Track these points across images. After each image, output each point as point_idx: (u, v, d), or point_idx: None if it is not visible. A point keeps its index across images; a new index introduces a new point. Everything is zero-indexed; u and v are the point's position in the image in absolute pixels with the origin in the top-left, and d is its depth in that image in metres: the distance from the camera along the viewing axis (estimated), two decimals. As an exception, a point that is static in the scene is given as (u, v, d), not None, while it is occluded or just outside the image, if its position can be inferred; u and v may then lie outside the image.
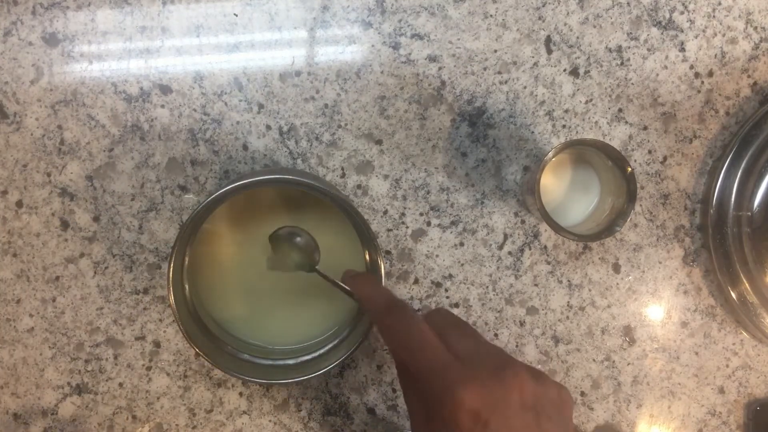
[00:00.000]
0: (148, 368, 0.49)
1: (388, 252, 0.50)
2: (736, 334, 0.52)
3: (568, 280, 0.51)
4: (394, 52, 0.48)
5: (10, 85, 0.47)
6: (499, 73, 0.49)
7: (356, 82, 0.48)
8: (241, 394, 0.50)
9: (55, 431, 0.49)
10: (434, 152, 0.49)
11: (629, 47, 0.50)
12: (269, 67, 0.48)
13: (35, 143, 0.47)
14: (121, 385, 0.49)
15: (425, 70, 0.49)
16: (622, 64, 0.50)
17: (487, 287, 0.51)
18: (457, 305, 0.50)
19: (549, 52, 0.49)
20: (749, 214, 0.50)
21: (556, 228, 0.44)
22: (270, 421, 0.50)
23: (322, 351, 0.46)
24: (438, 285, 0.50)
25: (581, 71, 0.50)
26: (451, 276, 0.50)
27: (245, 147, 0.48)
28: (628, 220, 0.47)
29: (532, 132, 0.50)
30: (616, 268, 0.51)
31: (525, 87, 0.49)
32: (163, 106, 0.48)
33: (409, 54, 0.49)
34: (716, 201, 0.50)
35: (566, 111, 0.50)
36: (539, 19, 0.49)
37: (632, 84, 0.50)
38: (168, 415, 0.49)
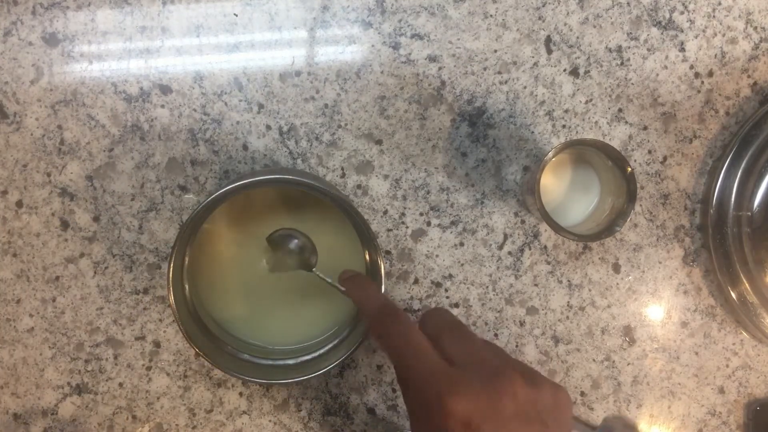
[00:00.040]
0: (148, 368, 0.49)
1: (388, 252, 0.50)
2: (736, 334, 0.52)
3: (568, 280, 0.51)
4: (394, 52, 0.48)
5: (10, 85, 0.47)
6: (499, 73, 0.49)
7: (356, 82, 0.48)
8: (241, 394, 0.50)
9: (55, 431, 0.49)
10: (434, 152, 0.49)
11: (629, 47, 0.50)
12: (269, 67, 0.48)
13: (35, 143, 0.47)
14: (121, 385, 0.49)
15: (425, 70, 0.49)
16: (622, 64, 0.50)
17: (487, 287, 0.51)
18: (457, 305, 0.50)
19: (549, 52, 0.49)
20: (749, 214, 0.50)
21: (556, 228, 0.44)
22: (270, 421, 0.50)
23: (322, 351, 0.46)
24: (438, 285, 0.50)
25: (581, 71, 0.50)
26: (451, 276, 0.50)
27: (245, 147, 0.48)
28: (628, 220, 0.47)
29: (532, 132, 0.50)
30: (616, 268, 0.51)
31: (525, 87, 0.49)
32: (163, 106, 0.48)
33: (409, 54, 0.49)
34: (716, 201, 0.50)
35: (566, 111, 0.50)
36: (539, 19, 0.49)
37: (632, 84, 0.50)
38: (168, 415, 0.49)
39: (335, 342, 0.46)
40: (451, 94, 0.49)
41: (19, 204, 0.48)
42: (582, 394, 0.52)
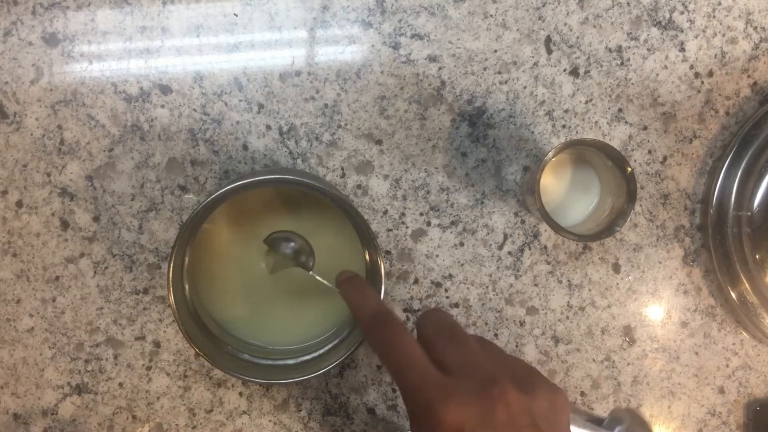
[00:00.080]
0: (148, 368, 0.49)
1: (388, 252, 0.50)
2: (736, 334, 0.52)
3: (568, 280, 0.51)
4: (394, 52, 0.48)
5: (10, 85, 0.47)
6: (499, 73, 0.49)
7: (356, 82, 0.48)
8: (241, 394, 0.50)
9: (55, 431, 0.49)
10: (434, 152, 0.49)
11: (629, 47, 0.50)
12: (269, 67, 0.48)
13: (35, 143, 0.47)
14: (121, 385, 0.49)
15: (425, 70, 0.49)
16: (622, 64, 0.50)
17: (487, 287, 0.51)
18: (457, 305, 0.50)
19: (549, 52, 0.49)
20: (749, 214, 0.50)
21: (556, 228, 0.44)
22: (270, 421, 0.50)
23: (322, 351, 0.46)
24: (438, 285, 0.50)
25: (581, 71, 0.50)
26: (451, 276, 0.50)
27: (245, 147, 0.48)
28: (628, 220, 0.47)
29: (532, 132, 0.50)
30: (616, 268, 0.51)
31: (525, 87, 0.49)
32: (163, 106, 0.48)
33: (409, 54, 0.49)
34: (716, 201, 0.50)
35: (566, 111, 0.50)
36: (539, 19, 0.49)
37: (632, 84, 0.50)
38: (168, 415, 0.49)
39: (335, 342, 0.46)
40: (451, 94, 0.49)
41: (19, 204, 0.48)
42: (582, 394, 0.52)
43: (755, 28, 0.51)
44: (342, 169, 0.49)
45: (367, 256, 0.45)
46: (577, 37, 0.50)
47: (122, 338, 0.49)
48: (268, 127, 0.48)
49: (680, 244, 0.52)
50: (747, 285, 0.50)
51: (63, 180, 0.48)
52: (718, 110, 0.51)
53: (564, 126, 0.50)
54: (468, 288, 0.50)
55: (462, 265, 0.50)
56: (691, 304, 0.52)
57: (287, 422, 0.50)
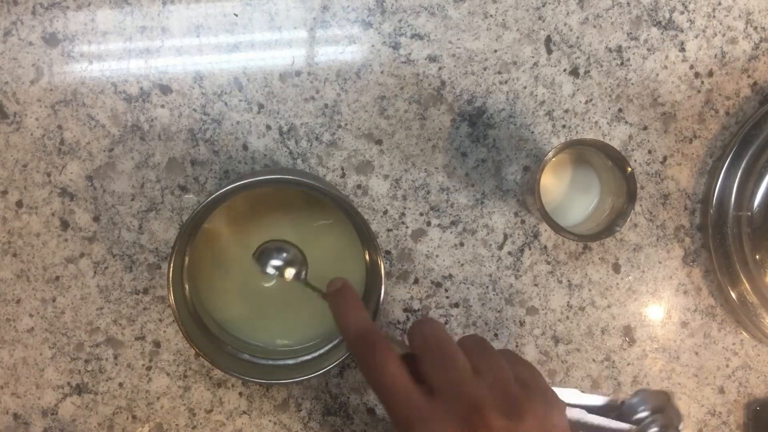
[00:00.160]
0: (148, 368, 0.49)
1: (388, 252, 0.50)
2: (736, 334, 0.52)
3: (568, 280, 0.51)
4: (394, 52, 0.48)
5: (10, 85, 0.47)
6: (499, 73, 0.49)
7: (356, 82, 0.48)
8: (241, 394, 0.50)
9: (55, 431, 0.49)
10: (434, 152, 0.49)
11: (629, 47, 0.50)
12: (269, 67, 0.48)
13: (35, 143, 0.47)
14: (121, 385, 0.49)
15: (425, 70, 0.49)
16: (622, 64, 0.50)
17: (487, 287, 0.51)
18: (457, 305, 0.50)
19: (549, 52, 0.49)
20: (749, 214, 0.50)
21: (556, 228, 0.44)
22: (270, 421, 0.50)
23: (322, 351, 0.46)
24: (438, 285, 0.50)
25: (581, 71, 0.50)
26: (451, 276, 0.50)
27: (245, 147, 0.48)
28: (628, 220, 0.47)
29: (532, 132, 0.50)
30: (616, 268, 0.51)
31: (525, 87, 0.49)
32: (163, 106, 0.48)
33: (409, 54, 0.49)
34: (716, 201, 0.50)
35: (566, 111, 0.50)
36: (539, 19, 0.49)
37: (632, 84, 0.50)
38: (168, 415, 0.49)
39: (335, 342, 0.46)
40: (451, 94, 0.49)
41: (19, 204, 0.48)
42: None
43: (755, 28, 0.51)
44: (342, 169, 0.49)
45: (367, 256, 0.45)
46: (577, 37, 0.50)
47: (122, 338, 0.49)
48: (268, 127, 0.48)
49: (680, 244, 0.52)
50: (747, 285, 0.50)
51: (63, 180, 0.48)
52: (718, 110, 0.51)
53: (564, 126, 0.50)
54: (468, 288, 0.50)
55: (462, 265, 0.50)
56: (691, 304, 0.52)
57: (287, 422, 0.50)
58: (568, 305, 0.51)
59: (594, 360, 0.52)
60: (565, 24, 0.49)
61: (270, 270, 0.41)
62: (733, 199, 0.50)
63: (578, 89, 0.50)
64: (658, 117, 0.51)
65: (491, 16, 0.49)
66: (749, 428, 0.53)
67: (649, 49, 0.50)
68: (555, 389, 0.39)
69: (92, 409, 0.49)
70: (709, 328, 0.52)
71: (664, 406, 0.42)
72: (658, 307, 0.52)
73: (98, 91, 0.47)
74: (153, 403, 0.49)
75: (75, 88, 0.47)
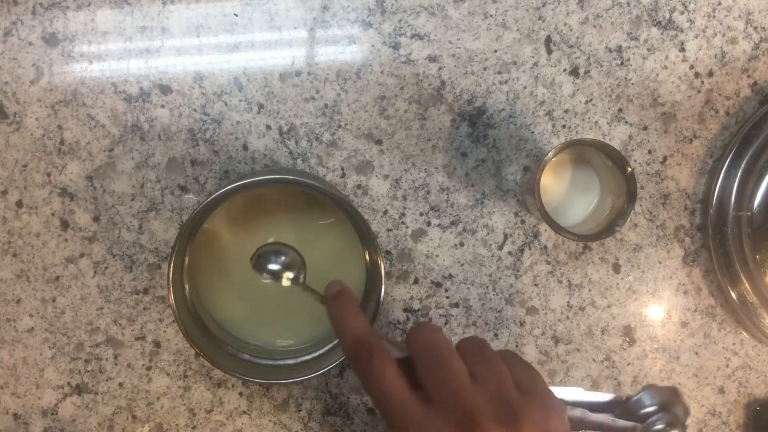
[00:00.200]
0: (148, 368, 0.49)
1: (388, 252, 0.50)
2: (736, 334, 0.52)
3: (568, 280, 0.51)
4: (394, 52, 0.48)
5: (10, 85, 0.47)
6: (499, 73, 0.49)
7: (356, 82, 0.48)
8: (241, 394, 0.50)
9: (55, 431, 0.49)
10: (434, 152, 0.49)
11: (629, 47, 0.50)
12: (269, 67, 0.48)
13: (35, 143, 0.47)
14: (121, 385, 0.49)
15: (425, 70, 0.49)
16: (622, 64, 0.50)
17: (487, 287, 0.51)
18: (457, 305, 0.50)
19: (549, 52, 0.49)
20: (749, 214, 0.50)
21: (556, 228, 0.44)
22: (270, 421, 0.50)
23: (322, 351, 0.46)
24: (438, 285, 0.50)
25: (581, 71, 0.50)
26: (451, 276, 0.50)
27: (245, 147, 0.48)
28: (628, 220, 0.47)
29: (532, 132, 0.50)
30: (616, 268, 0.51)
31: (525, 87, 0.49)
32: (163, 106, 0.48)
33: (409, 54, 0.49)
34: (716, 201, 0.50)
35: (566, 111, 0.50)
36: (539, 19, 0.49)
37: (632, 84, 0.50)
38: (168, 415, 0.49)
39: (335, 342, 0.46)
40: (451, 94, 0.49)
41: (19, 204, 0.48)
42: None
43: (755, 28, 0.51)
44: (342, 169, 0.49)
45: (367, 256, 0.45)
46: (577, 37, 0.50)
47: (122, 338, 0.49)
48: (268, 127, 0.48)
49: (680, 244, 0.52)
50: (747, 285, 0.50)
51: (63, 180, 0.48)
52: (718, 110, 0.51)
53: (564, 126, 0.50)
54: (468, 288, 0.50)
55: (462, 265, 0.50)
56: (691, 304, 0.52)
57: (287, 422, 0.50)
58: (568, 305, 0.51)
59: (594, 360, 0.52)
60: (565, 24, 0.49)
61: (267, 276, 0.41)
62: (733, 199, 0.50)
63: (578, 89, 0.50)
64: (658, 117, 0.51)
65: (491, 16, 0.49)
66: (749, 428, 0.53)
67: (649, 49, 0.50)
68: (559, 389, 0.39)
69: (92, 409, 0.49)
70: (709, 328, 0.52)
71: (670, 402, 0.41)
72: (658, 307, 0.52)
73: (98, 91, 0.47)
74: (153, 403, 0.49)
75: (75, 88, 0.47)
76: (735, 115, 0.51)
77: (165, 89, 0.47)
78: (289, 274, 0.41)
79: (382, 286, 0.42)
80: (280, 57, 0.48)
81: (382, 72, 0.49)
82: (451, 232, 0.50)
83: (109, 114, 0.47)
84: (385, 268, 0.43)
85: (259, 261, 0.41)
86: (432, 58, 0.49)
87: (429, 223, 0.50)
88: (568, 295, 0.51)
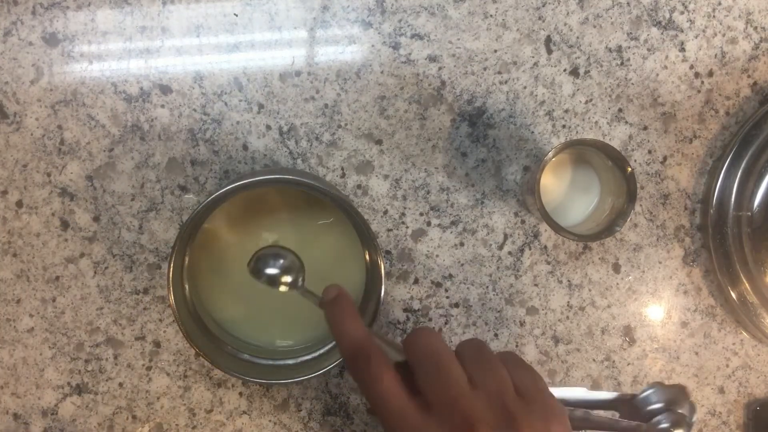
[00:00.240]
0: (148, 368, 0.49)
1: (388, 252, 0.50)
2: (736, 334, 0.52)
3: (568, 280, 0.51)
4: (394, 52, 0.48)
5: (10, 85, 0.47)
6: (499, 73, 0.49)
7: (356, 82, 0.48)
8: (241, 394, 0.50)
9: (55, 431, 0.49)
10: (434, 152, 0.49)
11: (629, 47, 0.50)
12: (269, 67, 0.48)
13: (35, 143, 0.47)
14: (121, 385, 0.49)
15: (425, 70, 0.49)
16: (622, 64, 0.50)
17: (487, 287, 0.51)
18: (457, 305, 0.50)
19: (549, 52, 0.49)
20: (749, 214, 0.50)
21: (556, 228, 0.44)
22: (270, 421, 0.50)
23: (322, 351, 0.46)
24: (438, 285, 0.50)
25: (581, 71, 0.50)
26: (451, 276, 0.50)
27: (245, 147, 0.48)
28: (628, 220, 0.47)
29: (532, 132, 0.50)
30: (616, 268, 0.51)
31: (525, 87, 0.49)
32: (163, 106, 0.48)
33: (409, 54, 0.49)
34: (716, 201, 0.50)
35: (566, 111, 0.50)
36: (539, 19, 0.49)
37: (632, 84, 0.50)
38: (168, 415, 0.49)
39: (335, 342, 0.46)
40: (451, 94, 0.49)
41: (19, 204, 0.48)
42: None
43: (755, 28, 0.51)
44: (342, 169, 0.49)
45: (367, 256, 0.45)
46: (577, 37, 0.50)
47: (122, 338, 0.49)
48: (268, 127, 0.48)
49: (680, 244, 0.52)
50: (747, 285, 0.50)
51: (63, 180, 0.48)
52: (718, 110, 0.51)
53: (564, 126, 0.50)
54: (468, 288, 0.50)
55: (462, 265, 0.50)
56: (691, 304, 0.52)
57: (287, 422, 0.50)
58: (568, 305, 0.51)
59: (594, 360, 0.52)
60: (565, 24, 0.49)
61: (265, 281, 0.40)
62: (733, 199, 0.50)
63: (578, 89, 0.50)
64: (658, 117, 0.51)
65: (491, 16, 0.49)
66: (749, 428, 0.53)
67: (649, 49, 0.50)
68: (563, 389, 0.39)
69: (92, 409, 0.49)
70: (709, 328, 0.52)
71: (677, 400, 0.41)
72: (658, 307, 0.52)
73: (98, 91, 0.47)
74: (153, 403, 0.49)
75: (75, 88, 0.47)
76: (735, 115, 0.51)
77: (165, 89, 0.47)
78: (287, 278, 0.40)
79: (382, 286, 0.42)
80: (280, 57, 0.48)
81: (382, 72, 0.49)
82: (451, 232, 0.50)
83: (109, 114, 0.47)
84: (385, 268, 0.43)
85: (256, 265, 0.40)
86: (432, 58, 0.49)
87: (429, 223, 0.50)
88: (568, 295, 0.51)
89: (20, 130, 0.47)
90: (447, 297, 0.50)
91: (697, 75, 0.51)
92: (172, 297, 0.41)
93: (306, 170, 0.49)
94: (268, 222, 0.46)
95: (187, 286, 0.45)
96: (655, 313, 0.52)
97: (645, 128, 0.51)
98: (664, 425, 0.39)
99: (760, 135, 0.50)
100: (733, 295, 0.51)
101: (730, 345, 0.52)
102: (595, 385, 0.52)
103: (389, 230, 0.50)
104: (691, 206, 0.52)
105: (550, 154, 0.43)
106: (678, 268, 0.52)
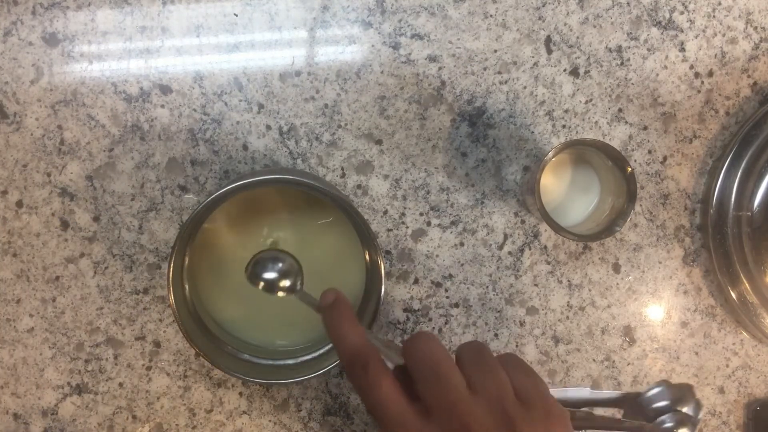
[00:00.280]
0: (148, 368, 0.49)
1: (388, 252, 0.50)
2: (736, 334, 0.52)
3: (568, 280, 0.51)
4: (394, 52, 0.48)
5: (10, 85, 0.47)
6: (499, 73, 0.49)
7: (356, 82, 0.48)
8: (241, 394, 0.50)
9: (55, 431, 0.49)
10: (434, 152, 0.49)
11: (629, 47, 0.50)
12: (269, 67, 0.48)
13: (35, 143, 0.47)
14: (121, 385, 0.49)
15: (425, 70, 0.49)
16: (622, 64, 0.50)
17: (487, 287, 0.51)
18: (457, 305, 0.50)
19: (549, 52, 0.49)
20: (749, 214, 0.50)
21: (556, 228, 0.44)
22: (270, 421, 0.50)
23: (322, 351, 0.46)
24: (438, 285, 0.50)
25: (581, 71, 0.50)
26: (451, 276, 0.50)
27: (245, 147, 0.48)
28: (628, 220, 0.47)
29: (532, 132, 0.50)
30: (616, 268, 0.51)
31: (525, 87, 0.49)
32: (163, 106, 0.48)
33: (409, 54, 0.49)
34: (716, 201, 0.50)
35: (566, 111, 0.50)
36: (539, 19, 0.49)
37: (632, 84, 0.50)
38: (168, 415, 0.49)
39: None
40: (451, 94, 0.49)
41: (19, 204, 0.48)
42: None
43: (755, 28, 0.51)
44: (342, 169, 0.49)
45: (367, 256, 0.45)
46: (577, 37, 0.50)
47: (122, 338, 0.49)
48: (268, 127, 0.48)
49: (680, 244, 0.52)
50: (747, 285, 0.50)
51: (63, 180, 0.48)
52: (718, 110, 0.51)
53: (564, 126, 0.50)
54: (468, 288, 0.50)
55: (462, 265, 0.50)
56: (691, 304, 0.52)
57: (287, 422, 0.50)
58: (568, 305, 0.51)
59: (594, 360, 0.52)
60: (565, 24, 0.49)
61: (263, 287, 0.40)
62: (733, 199, 0.50)
63: (578, 89, 0.50)
64: (658, 117, 0.51)
65: (491, 16, 0.49)
66: (749, 428, 0.53)
67: (649, 49, 0.50)
68: (567, 388, 0.38)
69: (92, 409, 0.49)
70: (709, 328, 0.52)
71: (682, 399, 0.40)
72: (658, 307, 0.52)
73: (98, 91, 0.47)
74: (153, 403, 0.49)
75: (75, 88, 0.47)
76: (735, 115, 0.51)
77: (165, 89, 0.47)
78: (286, 282, 0.40)
79: (382, 286, 0.42)
80: (280, 57, 0.48)
81: (382, 72, 0.49)
82: (451, 232, 0.50)
83: (109, 114, 0.47)
84: (385, 268, 0.43)
85: (254, 270, 0.40)
86: (432, 58, 0.49)
87: (429, 223, 0.50)
88: (568, 295, 0.51)
89: (20, 130, 0.47)
90: (447, 297, 0.50)
91: (697, 75, 0.51)
92: (172, 297, 0.41)
93: (306, 170, 0.49)
94: (268, 222, 0.46)
95: (187, 286, 0.45)
96: (655, 313, 0.52)
97: (645, 128, 0.51)
98: (668, 425, 0.38)
99: (760, 135, 0.50)
100: (733, 295, 0.51)
101: (730, 345, 0.52)
102: (595, 385, 0.52)
103: (389, 230, 0.50)
104: (691, 206, 0.52)
105: (550, 154, 0.43)
106: (678, 268, 0.52)
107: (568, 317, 0.51)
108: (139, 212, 0.48)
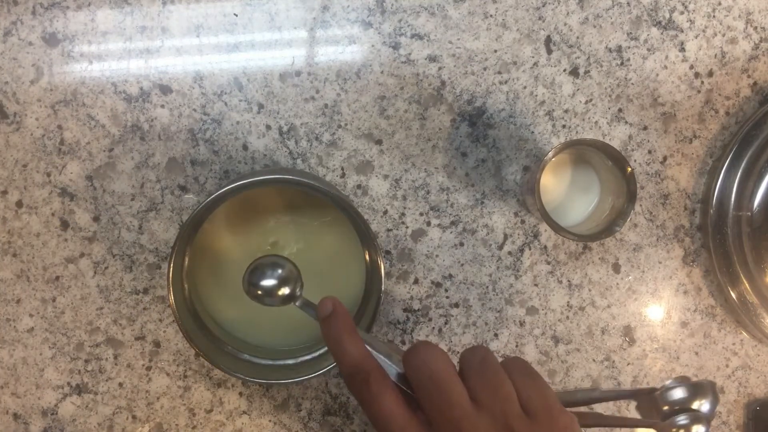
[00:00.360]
0: (148, 368, 0.49)
1: (388, 252, 0.50)
2: (736, 334, 0.52)
3: (568, 280, 0.51)
4: (394, 52, 0.48)
5: (10, 85, 0.47)
6: (499, 73, 0.49)
7: (356, 82, 0.48)
8: (241, 394, 0.50)
9: (55, 431, 0.49)
10: (434, 152, 0.49)
11: (629, 47, 0.50)
12: (269, 67, 0.48)
13: (35, 143, 0.47)
14: (121, 385, 0.49)
15: (425, 70, 0.49)
16: (622, 64, 0.50)
17: (487, 287, 0.51)
18: (457, 305, 0.50)
19: (549, 52, 0.49)
20: (749, 214, 0.50)
21: (556, 228, 0.44)
22: (270, 421, 0.50)
23: (322, 351, 0.46)
24: (438, 285, 0.50)
25: (581, 71, 0.50)
26: (451, 276, 0.50)
27: (245, 147, 0.48)
28: (628, 220, 0.47)
29: (532, 132, 0.50)
30: (616, 268, 0.51)
31: (525, 87, 0.49)
32: (163, 106, 0.48)
33: (409, 54, 0.49)
34: (716, 201, 0.50)
35: (566, 111, 0.50)
36: (539, 19, 0.49)
37: (632, 84, 0.50)
38: (168, 415, 0.49)
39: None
40: (451, 94, 0.49)
41: (19, 204, 0.48)
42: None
43: (755, 28, 0.51)
44: (342, 169, 0.49)
45: (367, 256, 0.45)
46: (577, 37, 0.50)
47: (122, 338, 0.49)
48: (268, 127, 0.48)
49: (680, 244, 0.52)
50: (747, 285, 0.50)
51: (63, 180, 0.48)
52: (718, 110, 0.51)
53: (564, 126, 0.50)
54: (468, 288, 0.50)
55: (462, 265, 0.50)
56: (691, 304, 0.52)
57: (287, 422, 0.50)
58: (568, 305, 0.51)
59: (594, 360, 0.52)
60: (565, 24, 0.49)
61: (260, 298, 0.39)
62: (733, 199, 0.50)
63: (578, 89, 0.50)
64: (658, 117, 0.51)
65: (491, 16, 0.49)
66: (749, 428, 0.53)
67: (649, 49, 0.50)
68: (577, 391, 0.38)
69: (92, 409, 0.49)
70: (709, 328, 0.52)
71: (699, 395, 0.39)
72: (658, 307, 0.52)
73: (98, 91, 0.47)
74: (153, 403, 0.49)
75: (75, 88, 0.47)
76: (735, 115, 0.51)
77: (165, 89, 0.47)
78: (285, 290, 0.39)
79: (382, 286, 0.43)
80: (280, 57, 0.48)
81: (382, 72, 0.49)
82: (451, 232, 0.50)
83: (109, 114, 0.47)
84: (385, 268, 0.43)
85: (252, 276, 0.39)
86: (432, 58, 0.49)
87: (429, 223, 0.50)
88: (568, 295, 0.51)
89: (20, 130, 0.47)
90: (447, 297, 0.50)
91: (697, 75, 0.51)
92: (172, 297, 0.41)
93: (306, 170, 0.49)
94: (268, 222, 0.46)
95: (187, 286, 0.45)
96: (655, 313, 0.52)
97: (645, 128, 0.51)
98: (682, 422, 0.38)
99: (760, 135, 0.50)
100: (733, 295, 0.51)
101: (730, 345, 0.52)
102: (595, 385, 0.52)
103: (389, 230, 0.50)
104: (691, 206, 0.52)
105: (550, 154, 0.43)
106: (678, 268, 0.52)
107: (568, 317, 0.51)
108: (139, 212, 0.48)
